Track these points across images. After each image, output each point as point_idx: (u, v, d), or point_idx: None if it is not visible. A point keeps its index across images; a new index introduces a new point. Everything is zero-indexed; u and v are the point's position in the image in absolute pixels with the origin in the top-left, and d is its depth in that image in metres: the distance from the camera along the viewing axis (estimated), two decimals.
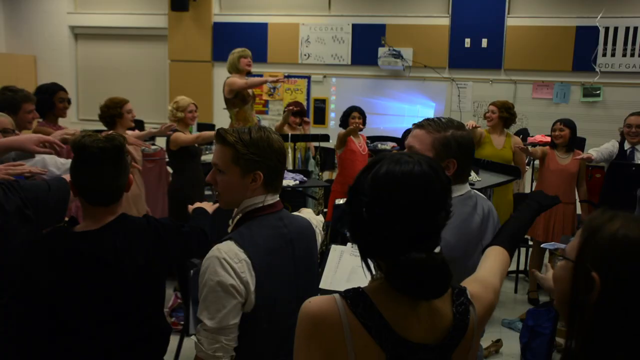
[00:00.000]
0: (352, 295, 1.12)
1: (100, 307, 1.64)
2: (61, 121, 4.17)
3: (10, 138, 2.36)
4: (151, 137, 4.78)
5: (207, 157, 6.74)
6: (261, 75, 7.78)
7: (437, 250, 1.53)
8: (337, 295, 1.13)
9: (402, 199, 1.09)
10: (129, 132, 4.13)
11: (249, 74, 5.16)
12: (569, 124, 4.57)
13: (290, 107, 5.24)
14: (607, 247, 0.94)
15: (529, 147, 4.66)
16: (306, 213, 1.93)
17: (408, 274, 1.07)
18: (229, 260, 1.48)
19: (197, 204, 2.16)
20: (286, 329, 1.48)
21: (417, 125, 1.71)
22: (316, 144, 5.59)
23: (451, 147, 1.65)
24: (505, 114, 4.64)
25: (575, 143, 4.68)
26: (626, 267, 0.92)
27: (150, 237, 1.72)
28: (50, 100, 3.89)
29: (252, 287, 1.50)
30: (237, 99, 4.98)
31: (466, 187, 1.72)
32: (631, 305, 0.91)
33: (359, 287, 1.15)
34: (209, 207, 2.14)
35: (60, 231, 1.69)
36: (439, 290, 1.09)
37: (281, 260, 1.59)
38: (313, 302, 1.14)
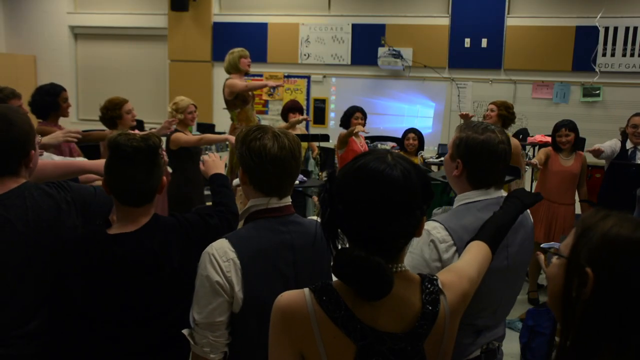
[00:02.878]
0: (319, 289, 1.15)
1: (135, 310, 1.63)
2: (61, 121, 4.18)
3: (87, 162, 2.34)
4: None
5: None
6: (261, 75, 7.80)
7: (448, 250, 1.56)
8: (306, 289, 1.16)
9: (358, 195, 1.12)
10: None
11: (246, 74, 5.16)
12: (574, 128, 4.57)
13: (306, 117, 5.19)
14: (600, 244, 0.96)
15: (532, 160, 4.63)
16: None
17: (343, 268, 1.10)
18: (217, 258, 1.51)
19: (207, 160, 2.07)
20: None
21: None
22: (316, 143, 5.59)
23: (459, 148, 1.70)
24: (504, 112, 4.61)
25: (579, 144, 4.68)
26: (618, 263, 0.94)
27: (182, 238, 1.72)
28: (55, 101, 3.90)
29: (238, 288, 1.50)
30: (237, 100, 4.98)
31: (491, 194, 1.71)
32: (623, 301, 0.93)
33: (328, 281, 1.17)
34: (220, 161, 2.09)
35: (93, 234, 1.66)
36: (372, 291, 1.09)
37: (276, 264, 1.57)
38: (284, 297, 1.17)
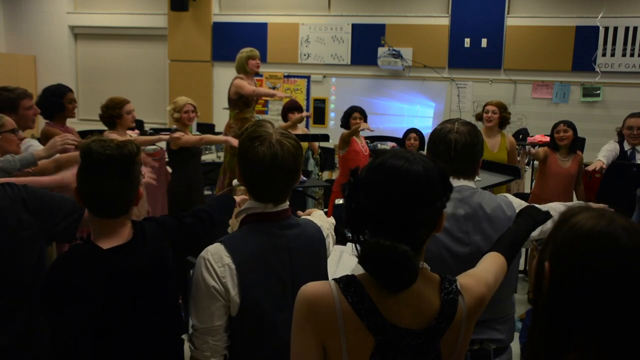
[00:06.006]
0: (345, 281, 1.18)
1: (145, 319, 1.60)
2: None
3: (54, 178, 2.36)
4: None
5: (207, 157, 6.75)
6: (261, 76, 7.80)
7: None
8: (332, 281, 1.19)
9: (382, 188, 1.16)
10: (129, 132, 4.14)
11: (256, 74, 5.15)
12: (572, 125, 4.55)
13: (306, 113, 5.18)
14: (563, 238, 0.96)
15: (531, 148, 4.60)
16: (317, 216, 1.92)
17: (369, 258, 1.12)
18: (212, 263, 1.50)
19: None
20: (281, 339, 1.42)
21: None
22: (316, 143, 5.59)
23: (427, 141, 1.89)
24: (505, 114, 4.63)
25: (577, 144, 4.65)
26: (575, 256, 0.94)
27: (166, 241, 1.69)
28: (60, 102, 3.89)
29: (234, 292, 1.50)
30: (240, 102, 4.96)
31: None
32: (580, 295, 0.92)
33: (352, 274, 1.20)
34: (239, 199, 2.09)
35: (88, 248, 1.54)
36: (399, 280, 1.12)
37: (273, 267, 1.56)
38: (309, 286, 1.20)
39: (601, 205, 1.50)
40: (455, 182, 1.76)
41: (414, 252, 1.14)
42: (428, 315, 1.17)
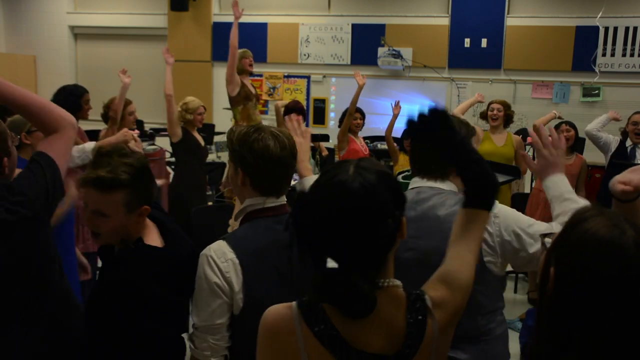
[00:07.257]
0: (306, 305, 1.12)
1: (183, 313, 1.69)
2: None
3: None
4: (152, 137, 4.77)
5: (208, 158, 6.74)
6: (261, 75, 7.80)
7: None
8: (294, 304, 1.13)
9: (321, 212, 1.07)
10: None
11: (251, 74, 5.17)
12: (574, 126, 4.58)
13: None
14: (573, 243, 0.95)
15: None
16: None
17: (320, 289, 1.08)
18: (215, 259, 1.50)
19: None
20: None
21: None
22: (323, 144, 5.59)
23: None
24: (510, 112, 4.69)
25: (577, 145, 4.67)
26: (580, 263, 0.93)
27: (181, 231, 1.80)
28: (78, 102, 3.90)
29: (237, 288, 1.49)
30: (239, 97, 4.98)
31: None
32: (584, 301, 0.92)
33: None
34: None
35: (153, 251, 1.64)
36: (354, 311, 1.06)
37: (275, 264, 1.56)
38: (271, 311, 1.14)
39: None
40: (419, 182, 1.73)
41: (374, 274, 1.08)
42: (396, 337, 1.09)
